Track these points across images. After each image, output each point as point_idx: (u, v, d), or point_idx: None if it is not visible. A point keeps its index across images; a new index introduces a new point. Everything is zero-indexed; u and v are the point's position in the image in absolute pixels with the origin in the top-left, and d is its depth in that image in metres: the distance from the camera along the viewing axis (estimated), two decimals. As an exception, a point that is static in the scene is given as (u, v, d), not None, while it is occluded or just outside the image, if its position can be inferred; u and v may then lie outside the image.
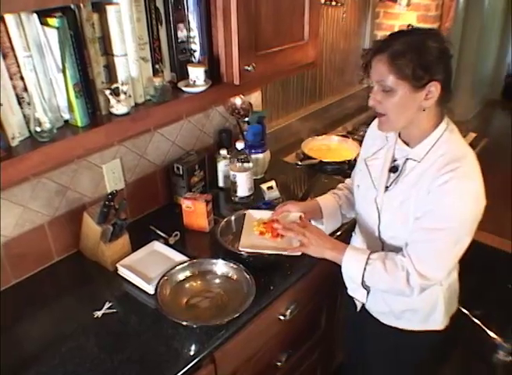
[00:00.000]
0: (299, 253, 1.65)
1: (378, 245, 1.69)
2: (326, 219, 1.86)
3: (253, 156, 2.38)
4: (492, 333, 2.76)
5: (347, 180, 1.99)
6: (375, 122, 1.62)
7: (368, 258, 1.55)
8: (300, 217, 1.75)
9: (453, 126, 1.56)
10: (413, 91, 1.41)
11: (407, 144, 1.58)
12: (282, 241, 1.74)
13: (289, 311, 1.87)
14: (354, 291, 1.85)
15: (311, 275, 1.91)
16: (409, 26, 1.52)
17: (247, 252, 1.74)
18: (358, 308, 1.86)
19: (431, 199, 1.46)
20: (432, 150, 1.51)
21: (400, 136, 1.61)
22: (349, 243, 1.90)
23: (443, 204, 1.44)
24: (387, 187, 1.62)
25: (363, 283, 1.58)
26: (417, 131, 1.53)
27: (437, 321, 1.74)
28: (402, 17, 3.41)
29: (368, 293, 1.78)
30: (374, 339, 1.92)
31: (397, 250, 1.57)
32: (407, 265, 1.50)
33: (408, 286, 1.50)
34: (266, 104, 2.76)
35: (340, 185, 1.99)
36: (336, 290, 2.11)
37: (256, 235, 1.78)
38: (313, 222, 1.87)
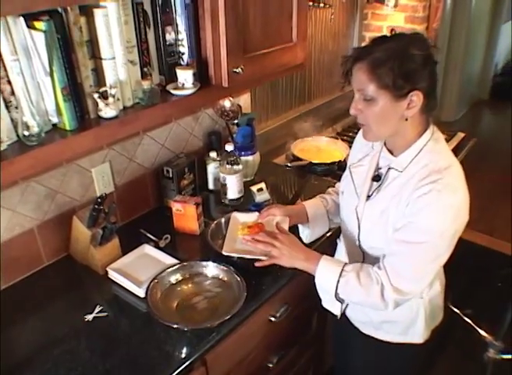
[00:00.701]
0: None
1: (359, 255, 1.67)
2: (312, 224, 1.84)
3: (242, 158, 2.38)
4: (482, 332, 2.78)
5: (337, 184, 1.94)
6: None
7: (342, 270, 1.51)
8: (277, 225, 1.71)
9: (439, 134, 1.52)
10: (394, 101, 1.38)
11: (392, 153, 1.55)
12: None
13: (280, 312, 1.88)
14: (328, 303, 1.79)
15: (302, 276, 1.90)
16: (392, 31, 1.48)
17: (230, 257, 1.73)
18: (339, 316, 1.80)
19: (410, 211, 1.42)
20: (415, 160, 1.47)
21: (385, 144, 1.58)
22: (335, 250, 1.89)
23: (422, 217, 1.40)
24: (369, 196, 1.59)
25: (336, 296, 1.54)
26: (402, 140, 1.49)
27: (417, 334, 1.71)
28: (390, 18, 3.42)
29: (342, 305, 1.74)
30: (355, 347, 1.90)
31: (378, 261, 1.53)
32: (381, 278, 1.46)
33: (382, 300, 1.47)
34: (255, 106, 2.76)
35: (330, 189, 1.96)
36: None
37: (240, 239, 1.75)
38: (300, 226, 1.87)
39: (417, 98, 1.37)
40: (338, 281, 1.51)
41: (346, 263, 1.55)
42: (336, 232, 1.95)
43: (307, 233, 1.86)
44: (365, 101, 1.41)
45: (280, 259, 1.60)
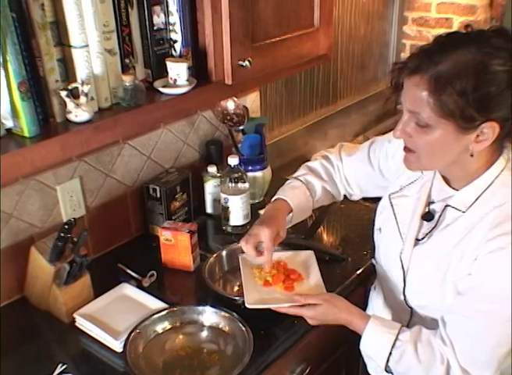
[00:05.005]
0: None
1: (406, 312, 1.63)
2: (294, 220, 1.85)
3: (249, 175, 2.38)
4: None
5: (333, 151, 1.98)
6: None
7: (397, 339, 1.46)
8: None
9: None
10: (458, 133, 1.30)
11: (448, 184, 1.48)
12: (300, 291, 1.70)
13: (296, 373, 1.85)
14: (376, 369, 1.75)
15: (324, 326, 1.88)
16: (467, 27, 1.35)
17: (258, 309, 1.67)
18: None
19: (479, 269, 1.36)
20: (484, 197, 1.39)
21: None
22: (367, 300, 1.86)
23: (497, 279, 1.33)
24: (418, 240, 1.54)
25: (387, 368, 1.49)
26: (462, 171, 1.43)
27: None
28: (441, -7, 3.38)
29: None
30: None
31: (430, 321, 1.49)
32: (448, 356, 1.40)
33: None
34: (266, 108, 2.78)
35: (319, 154, 2.00)
36: (357, 346, 2.07)
37: (261, 286, 1.74)
38: None
39: (490, 130, 1.29)
40: (390, 353, 1.46)
41: (401, 327, 1.49)
42: (367, 270, 1.92)
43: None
44: (418, 125, 1.35)
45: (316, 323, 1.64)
